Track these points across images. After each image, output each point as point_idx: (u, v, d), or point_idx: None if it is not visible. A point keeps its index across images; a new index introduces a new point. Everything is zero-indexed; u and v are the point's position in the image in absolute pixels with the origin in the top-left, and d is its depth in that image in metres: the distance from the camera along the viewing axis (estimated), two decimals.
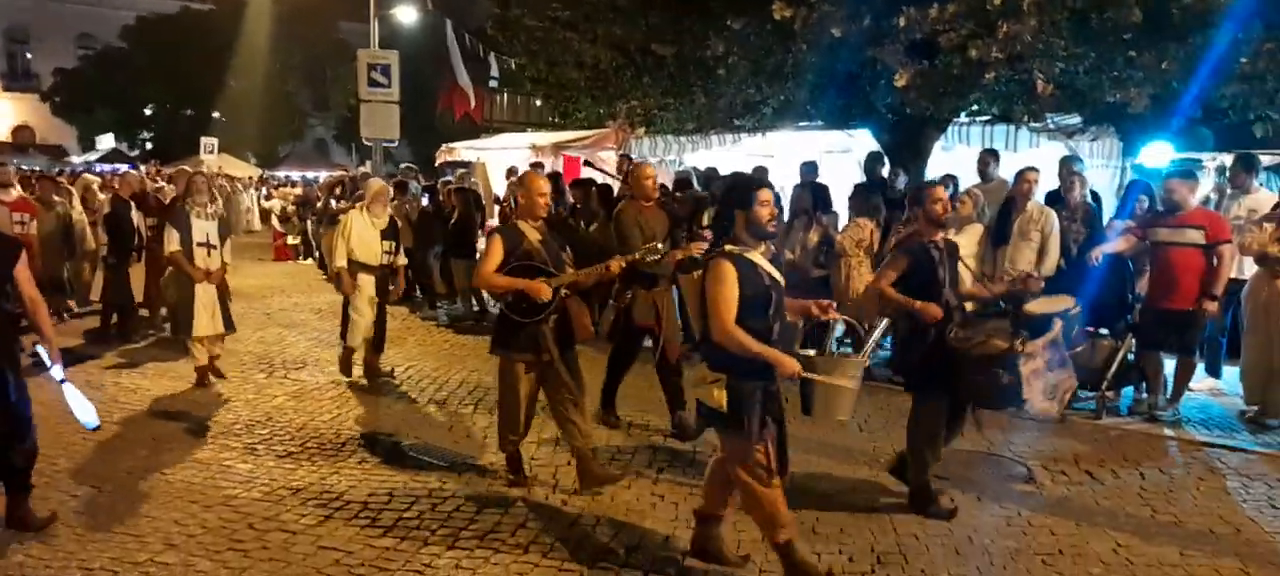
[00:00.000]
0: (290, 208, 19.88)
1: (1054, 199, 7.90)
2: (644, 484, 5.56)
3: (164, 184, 17.66)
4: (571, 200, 10.85)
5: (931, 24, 8.14)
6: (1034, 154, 10.35)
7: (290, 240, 18.72)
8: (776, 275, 4.05)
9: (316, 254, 16.67)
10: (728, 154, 13.04)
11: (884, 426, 6.88)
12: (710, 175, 10.42)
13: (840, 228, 8.69)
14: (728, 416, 3.94)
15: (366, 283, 7.92)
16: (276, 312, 11.85)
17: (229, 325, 8.00)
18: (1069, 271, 7.31)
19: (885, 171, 9.85)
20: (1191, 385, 7.35)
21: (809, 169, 9.80)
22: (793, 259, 8.65)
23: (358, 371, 8.21)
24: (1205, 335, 7.39)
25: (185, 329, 7.75)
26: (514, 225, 5.33)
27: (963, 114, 10.52)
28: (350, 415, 7.05)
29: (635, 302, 6.47)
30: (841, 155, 12.16)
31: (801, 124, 12.13)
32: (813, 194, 8.93)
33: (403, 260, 8.36)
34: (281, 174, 37.20)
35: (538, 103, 20.23)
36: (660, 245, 5.85)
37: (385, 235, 8.03)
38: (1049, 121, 10.29)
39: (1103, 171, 10.51)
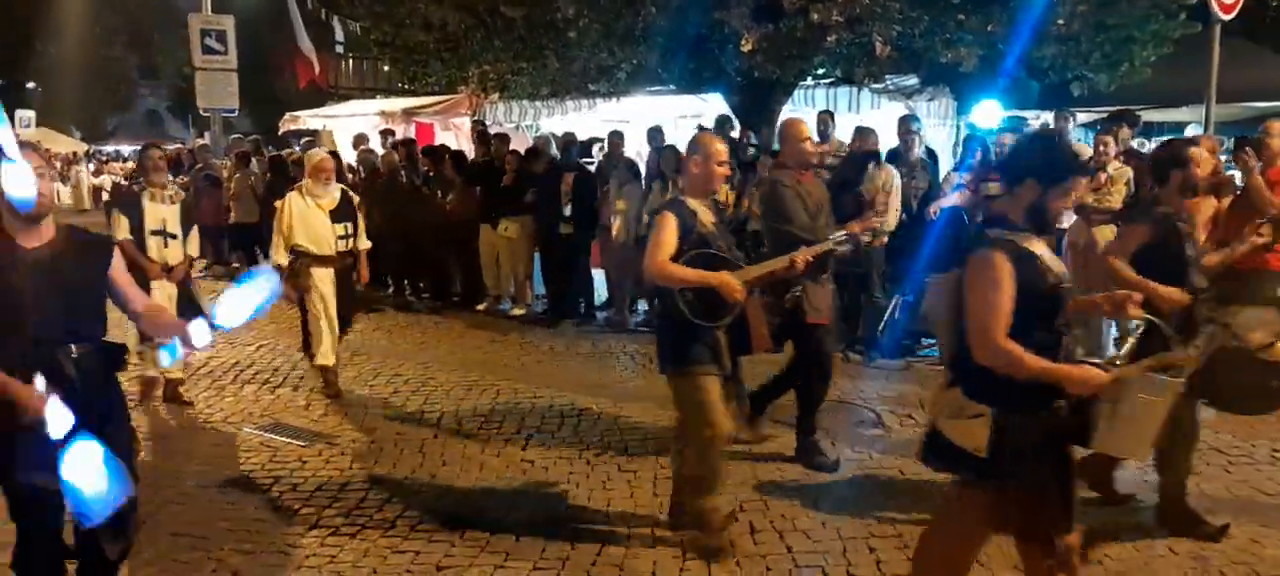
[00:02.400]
0: (124, 183, 18.67)
1: (894, 156, 8.29)
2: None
3: None
4: (424, 168, 10.63)
5: None
6: (874, 115, 10.80)
7: None
8: (1063, 270, 3.00)
9: None
10: (583, 119, 13.03)
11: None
12: (568, 140, 10.40)
13: None
14: (988, 462, 2.87)
15: (323, 277, 6.67)
16: None
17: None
18: (909, 225, 7.70)
19: (735, 134, 10.07)
20: None
21: (655, 134, 9.93)
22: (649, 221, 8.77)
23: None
24: None
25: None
26: (683, 201, 4.09)
27: (808, 76, 10.87)
28: (199, 398, 6.73)
29: (806, 297, 5.16)
30: (693, 119, 12.34)
31: (654, 88, 12.25)
32: (667, 159, 9.04)
33: (366, 243, 7.06)
34: (110, 148, 34.76)
35: (386, 67, 19.61)
36: (843, 233, 4.89)
37: (336, 216, 6.72)
38: (888, 83, 10.75)
39: (939, 129, 11.09)
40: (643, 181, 9.25)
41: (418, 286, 10.75)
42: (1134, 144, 7.93)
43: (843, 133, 9.10)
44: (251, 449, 5.65)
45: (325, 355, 6.74)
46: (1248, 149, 6.26)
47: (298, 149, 14.17)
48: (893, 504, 4.74)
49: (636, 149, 10.70)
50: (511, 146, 10.34)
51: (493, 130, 11.44)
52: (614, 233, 8.98)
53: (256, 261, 12.22)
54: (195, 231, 6.57)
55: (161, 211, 6.33)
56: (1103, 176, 7.22)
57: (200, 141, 18.68)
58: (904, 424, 6.11)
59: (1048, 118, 9.40)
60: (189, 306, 6.21)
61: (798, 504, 4.74)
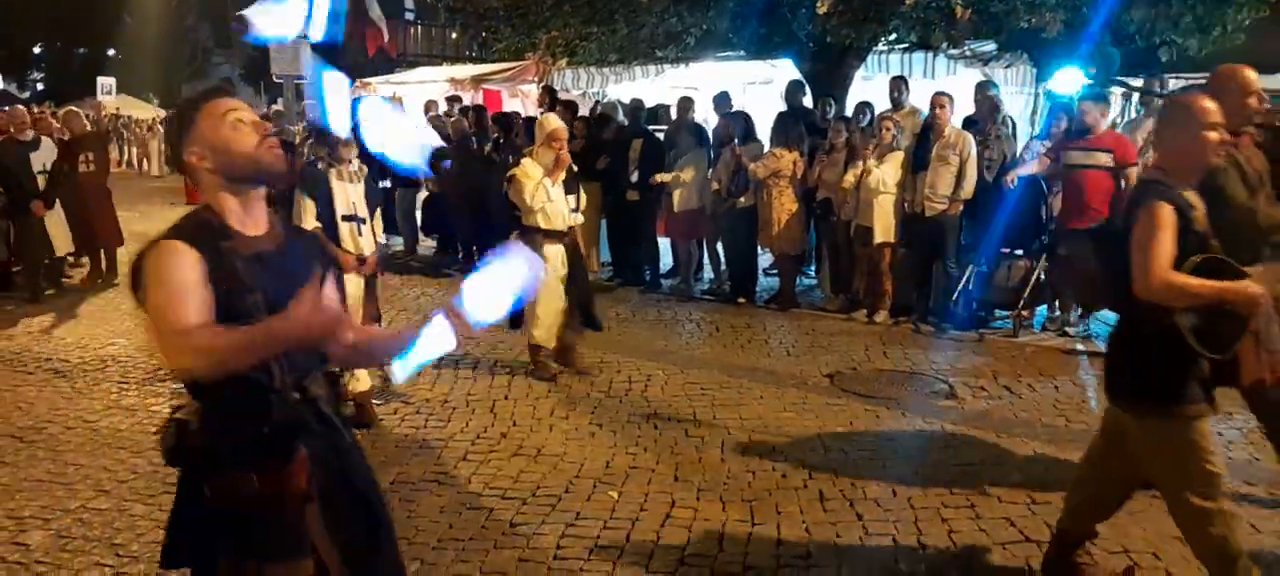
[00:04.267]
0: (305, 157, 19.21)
1: (971, 124, 8.09)
2: None
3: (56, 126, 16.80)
4: (495, 135, 10.69)
5: None
6: (951, 81, 10.51)
7: None
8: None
9: None
10: (651, 85, 12.97)
11: (810, 349, 7.07)
12: (636, 106, 10.37)
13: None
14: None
15: (554, 255, 6.14)
16: None
17: None
18: (985, 194, 7.52)
19: (806, 100, 9.93)
20: None
21: (722, 99, 9.83)
22: (717, 188, 8.73)
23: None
24: None
25: None
26: (1172, 187, 3.03)
27: (882, 42, 10.64)
28: None
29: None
30: (763, 86, 12.21)
31: (723, 54, 12.12)
32: (737, 122, 8.96)
33: (581, 218, 6.58)
34: None
35: (453, 34, 19.75)
36: None
37: (568, 188, 6.25)
38: (965, 48, 10.47)
39: (1016, 97, 10.76)
40: (708, 149, 9.20)
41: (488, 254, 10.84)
42: None
43: (917, 98, 8.92)
44: None
45: (546, 334, 6.27)
46: None
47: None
48: (964, 474, 4.67)
49: (704, 116, 10.63)
50: (579, 113, 10.35)
51: (562, 97, 11.46)
52: (676, 200, 8.95)
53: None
54: (378, 212, 5.74)
55: (350, 192, 5.44)
56: None
57: (275, 107, 19.07)
58: (976, 395, 5.99)
59: (1135, 85, 9.06)
60: (372, 301, 5.70)
61: (868, 473, 4.69)
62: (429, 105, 13.31)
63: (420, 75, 17.87)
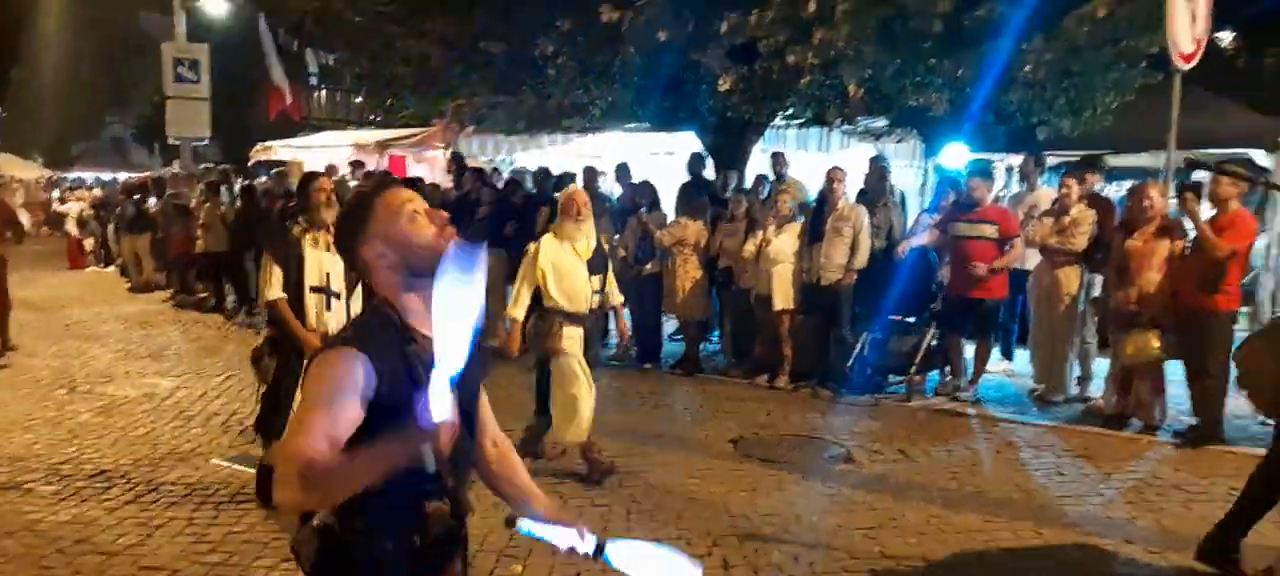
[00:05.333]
0: (88, 211, 18.50)
1: (864, 196, 8.44)
2: None
3: None
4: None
5: (751, 30, 8.53)
6: (845, 154, 11.01)
7: (87, 246, 17.46)
8: None
9: (118, 261, 15.64)
10: (557, 153, 13.14)
11: (714, 414, 7.18)
12: (543, 174, 10.47)
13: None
14: None
15: (574, 338, 5.52)
16: (76, 324, 11.00)
17: None
18: (878, 264, 7.83)
19: (709, 172, 10.20)
20: (988, 367, 8.03)
21: (623, 171, 10.05)
22: (624, 255, 8.87)
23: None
24: (999, 321, 8.10)
25: None
26: None
27: (780, 117, 11.04)
28: (166, 429, 6.67)
29: None
30: (666, 156, 12.50)
31: (628, 125, 12.38)
32: (643, 192, 9.16)
33: (619, 298, 6.09)
34: (72, 176, 34.31)
35: (358, 99, 19.63)
36: None
37: (593, 267, 5.60)
38: (858, 124, 10.95)
39: (907, 171, 11.31)
40: (613, 217, 9.35)
41: None
42: (1096, 188, 8.13)
43: (797, 170, 9.33)
44: (223, 480, 5.60)
45: (579, 429, 5.61)
46: (1189, 193, 6.48)
47: (267, 178, 14.12)
48: (864, 538, 4.80)
49: (608, 186, 10.82)
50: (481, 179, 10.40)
51: (469, 163, 11.51)
52: None
53: (223, 292, 12.15)
54: (359, 289, 4.88)
55: (325, 261, 4.82)
56: (1066, 219, 7.39)
57: (171, 169, 18.58)
58: (873, 459, 6.18)
59: (1014, 161, 9.61)
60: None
61: (770, 539, 4.78)
62: (330, 170, 13.16)
63: (324, 139, 17.68)
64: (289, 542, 2.02)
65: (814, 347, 8.09)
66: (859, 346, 7.84)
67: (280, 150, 17.33)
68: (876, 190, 8.38)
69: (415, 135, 14.60)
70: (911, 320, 7.79)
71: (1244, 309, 7.92)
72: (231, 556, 4.51)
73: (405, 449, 1.69)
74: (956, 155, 9.25)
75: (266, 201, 11.93)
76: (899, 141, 11.21)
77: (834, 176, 7.94)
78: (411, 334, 1.93)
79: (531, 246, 5.62)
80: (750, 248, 8.08)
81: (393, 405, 1.81)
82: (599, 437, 6.49)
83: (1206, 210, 6.51)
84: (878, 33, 8.34)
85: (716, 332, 9.63)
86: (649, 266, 8.67)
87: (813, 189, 8.63)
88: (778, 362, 8.09)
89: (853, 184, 8.60)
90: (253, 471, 5.59)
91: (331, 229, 4.64)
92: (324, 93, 22.82)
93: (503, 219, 9.50)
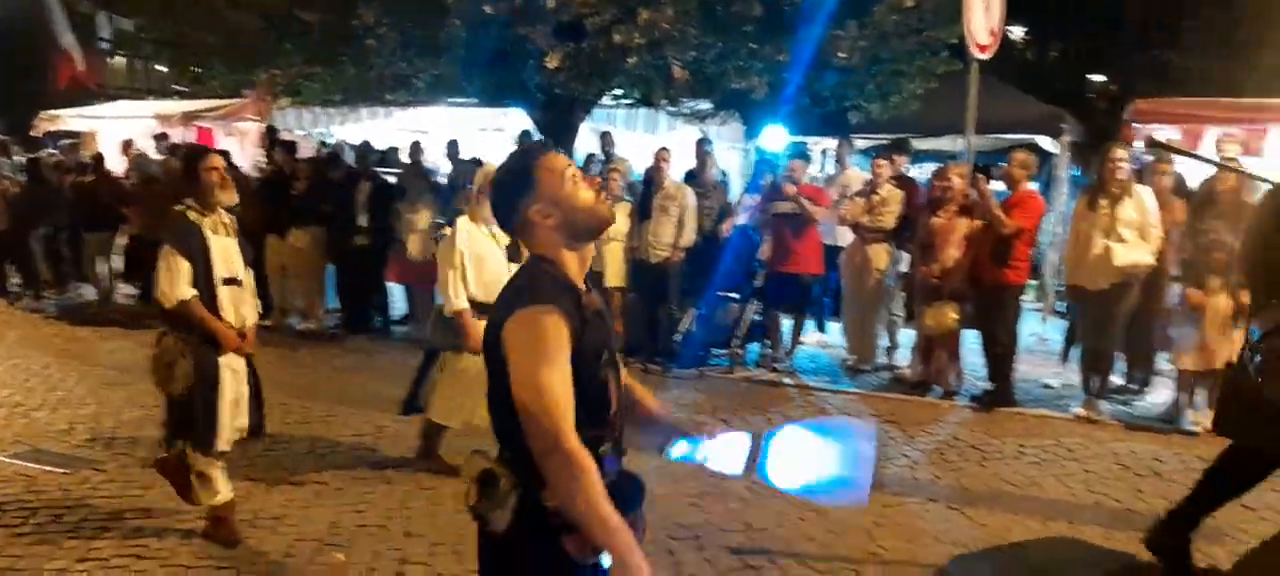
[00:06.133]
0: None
1: (691, 177, 8.63)
2: None
3: None
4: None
5: (578, 7, 8.51)
6: (671, 135, 11.19)
7: None
8: None
9: None
10: (379, 127, 12.71)
11: None
12: (363, 149, 10.10)
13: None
14: None
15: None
16: None
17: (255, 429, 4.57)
18: (704, 243, 8.04)
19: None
20: (804, 339, 8.40)
21: (452, 148, 9.86)
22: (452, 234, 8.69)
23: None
24: (815, 295, 8.49)
25: None
26: None
27: (608, 96, 11.09)
28: None
29: None
30: (495, 133, 12.33)
31: (455, 100, 12.11)
32: (470, 170, 8.99)
33: None
34: None
35: (162, 67, 18.28)
36: None
37: (512, 254, 5.11)
38: (684, 106, 11.16)
39: (730, 152, 11.64)
40: (442, 193, 9.16)
41: None
42: (904, 170, 8.63)
43: (625, 150, 9.44)
44: (6, 478, 5.13)
45: (465, 422, 5.18)
46: (980, 175, 7.04)
47: (55, 151, 12.97)
48: (690, 505, 4.93)
49: (434, 160, 10.58)
50: (302, 154, 9.94)
51: (283, 137, 10.95)
52: (411, 246, 8.82)
53: (5, 274, 11.10)
54: (249, 272, 4.52)
55: (228, 248, 4.33)
56: (876, 198, 7.81)
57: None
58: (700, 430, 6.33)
59: (828, 144, 10.06)
60: (258, 398, 4.51)
61: None
62: (127, 145, 12.24)
63: (120, 109, 16.38)
64: (469, 507, 2.04)
65: (644, 324, 8.23)
66: (686, 322, 8.03)
67: (71, 120, 15.93)
68: (703, 171, 8.59)
69: (224, 106, 13.74)
70: (735, 296, 8.06)
71: (1032, 282, 8.65)
72: (18, 560, 4.14)
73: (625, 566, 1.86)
74: (776, 137, 9.61)
75: (57, 177, 10.98)
76: (722, 123, 11.50)
77: (661, 157, 8.07)
78: (578, 292, 2.02)
79: (447, 231, 5.23)
80: None
81: (577, 361, 1.91)
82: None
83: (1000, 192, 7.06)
84: (701, 15, 8.52)
85: None
86: None
87: (640, 169, 8.75)
88: None
89: (679, 164, 8.77)
90: (40, 469, 5.25)
91: (227, 212, 4.34)
92: (122, 60, 21.12)
93: (320, 196, 9.11)
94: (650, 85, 10.02)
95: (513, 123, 11.56)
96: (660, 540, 4.48)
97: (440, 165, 10.53)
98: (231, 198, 4.33)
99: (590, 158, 9.57)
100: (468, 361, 5.02)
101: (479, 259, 5.05)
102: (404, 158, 9.86)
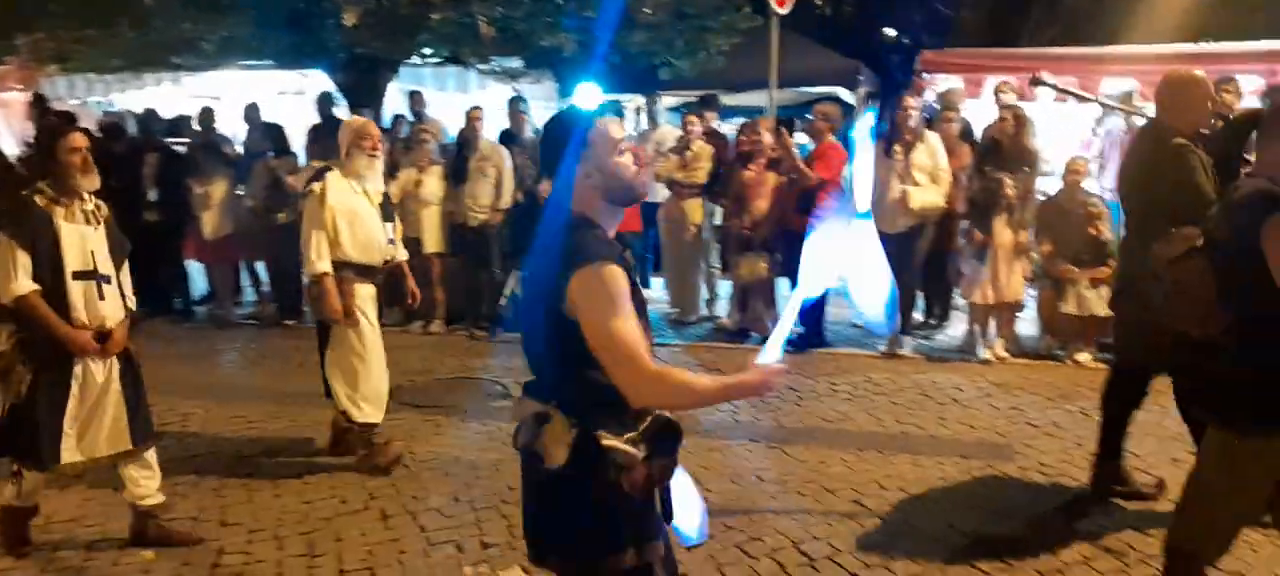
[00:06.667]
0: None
1: (508, 137, 8.51)
2: None
3: None
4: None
5: None
6: (484, 95, 10.99)
7: None
8: None
9: None
10: (167, 94, 11.79)
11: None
12: (148, 117, 9.36)
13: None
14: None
15: (367, 298, 4.91)
16: None
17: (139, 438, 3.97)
18: (523, 204, 7.96)
19: (342, 112, 9.71)
20: None
21: (251, 112, 9.30)
22: (254, 205, 8.23)
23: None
24: (636, 252, 8.60)
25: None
26: None
27: (414, 55, 10.75)
28: None
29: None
30: (296, 96, 11.73)
31: (249, 63, 11.40)
32: (269, 135, 8.53)
33: (404, 253, 5.27)
34: None
35: None
36: None
37: (386, 213, 5.02)
38: (495, 64, 10.97)
39: (545, 111, 11.53)
40: (239, 163, 8.63)
41: None
42: (714, 125, 8.83)
43: (436, 111, 9.23)
44: None
45: (373, 407, 4.92)
46: (783, 128, 7.33)
47: None
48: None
49: (230, 127, 9.93)
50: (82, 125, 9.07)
51: (56, 107, 9.96)
52: (205, 224, 8.28)
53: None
54: (126, 266, 4.05)
55: (88, 239, 3.82)
56: (688, 154, 7.97)
57: None
58: None
59: (641, 101, 10.16)
60: (139, 405, 3.98)
61: (430, 484, 4.74)
62: None
63: None
64: (523, 447, 2.21)
65: (466, 289, 8.09)
66: (511, 286, 7.95)
67: None
68: (519, 131, 8.48)
69: None
70: None
71: None
72: None
73: (755, 389, 2.19)
74: (590, 95, 9.60)
75: None
76: (536, 82, 11.39)
77: (474, 116, 7.92)
78: (619, 246, 2.19)
79: (315, 187, 4.79)
80: (394, 190, 7.83)
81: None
82: (242, 400, 6.07)
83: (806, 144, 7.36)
84: None
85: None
86: (282, 216, 8.11)
87: (453, 130, 8.54)
88: (431, 307, 7.98)
89: (493, 124, 8.63)
90: None
91: (92, 197, 3.85)
92: None
93: (103, 170, 8.36)
94: (458, 43, 9.78)
95: (314, 85, 11.02)
96: (494, 504, 4.46)
97: (238, 133, 9.89)
98: (93, 182, 3.84)
99: (398, 119, 9.23)
100: (365, 333, 4.85)
101: (352, 217, 4.79)
102: (196, 126, 9.18)
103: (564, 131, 2.21)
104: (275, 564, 3.93)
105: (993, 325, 7.06)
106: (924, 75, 8.77)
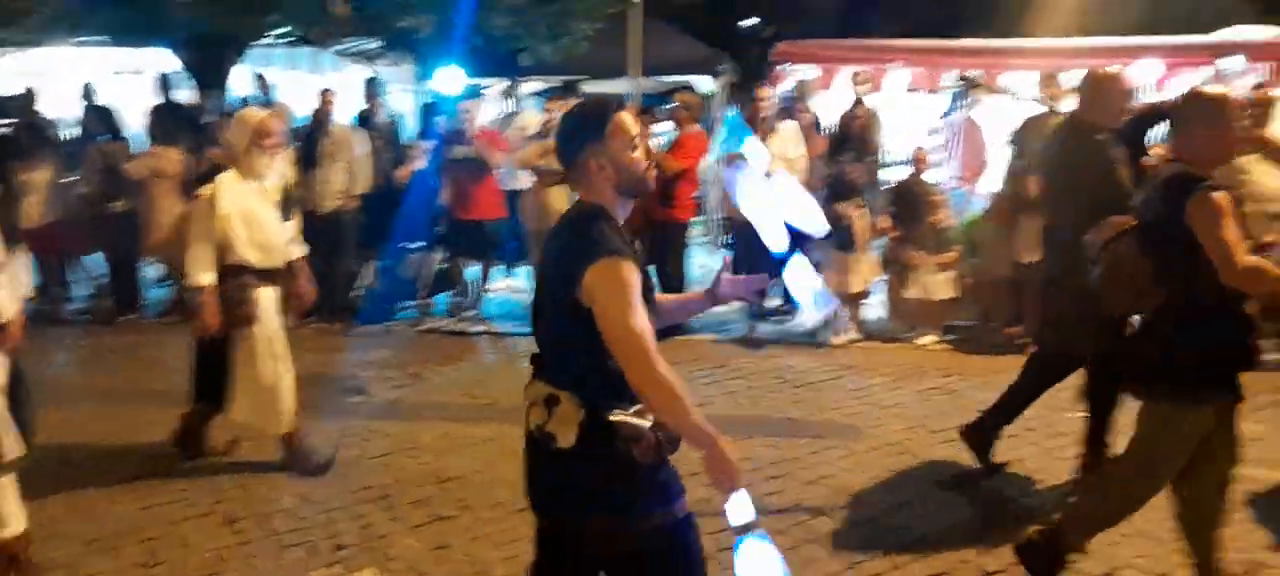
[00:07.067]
0: None
1: (365, 121, 8.25)
2: None
3: None
4: None
5: None
6: (339, 77, 10.65)
7: None
8: None
9: None
10: None
11: None
12: None
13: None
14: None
15: (269, 303, 4.62)
16: None
17: None
18: (381, 191, 7.74)
19: (183, 94, 9.22)
20: (493, 285, 8.42)
21: (87, 92, 8.72)
22: (87, 192, 7.72)
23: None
24: (500, 240, 8.49)
25: None
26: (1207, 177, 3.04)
27: (264, 34, 10.31)
28: None
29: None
30: (134, 75, 11.05)
31: (84, 39, 10.68)
32: (102, 118, 8.02)
33: (302, 250, 4.98)
34: None
35: None
36: None
37: (286, 211, 4.74)
38: (350, 45, 10.63)
39: (404, 95, 11.26)
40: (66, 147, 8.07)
41: None
42: None
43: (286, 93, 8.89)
44: None
45: (283, 418, 4.65)
46: (643, 116, 7.38)
47: None
48: (379, 463, 4.81)
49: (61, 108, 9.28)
50: None
51: None
52: (27, 211, 7.70)
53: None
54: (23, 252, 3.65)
55: None
56: (551, 141, 7.91)
57: None
58: (386, 387, 6.18)
59: (504, 85, 10.05)
60: (23, 400, 3.65)
61: (279, 485, 4.57)
62: None
63: None
64: (534, 427, 2.24)
65: (319, 280, 7.79)
66: (367, 275, 7.73)
67: None
68: (375, 114, 8.23)
69: None
70: (418, 245, 7.86)
71: (698, 218, 9.23)
72: None
73: (723, 469, 2.13)
74: (451, 79, 9.42)
75: None
76: (394, 65, 11.10)
77: (326, 99, 7.64)
78: (629, 237, 2.24)
79: (204, 191, 4.46)
80: None
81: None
82: (68, 406, 5.67)
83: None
84: None
85: None
86: (118, 204, 7.64)
87: (305, 113, 8.22)
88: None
89: (348, 108, 8.35)
90: None
91: None
92: None
93: None
94: (310, 22, 9.43)
95: (153, 64, 10.42)
96: (348, 504, 4.34)
97: (68, 114, 9.24)
98: None
99: (245, 101, 8.82)
100: (267, 338, 4.57)
101: (250, 218, 4.50)
102: (17, 107, 8.51)
103: (587, 121, 2.27)
104: (111, 574, 3.71)
105: (845, 310, 7.32)
106: (780, 65, 8.96)
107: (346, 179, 7.51)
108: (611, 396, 2.18)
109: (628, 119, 2.27)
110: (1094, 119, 4.23)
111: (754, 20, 16.56)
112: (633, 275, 2.14)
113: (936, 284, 6.90)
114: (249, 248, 4.50)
